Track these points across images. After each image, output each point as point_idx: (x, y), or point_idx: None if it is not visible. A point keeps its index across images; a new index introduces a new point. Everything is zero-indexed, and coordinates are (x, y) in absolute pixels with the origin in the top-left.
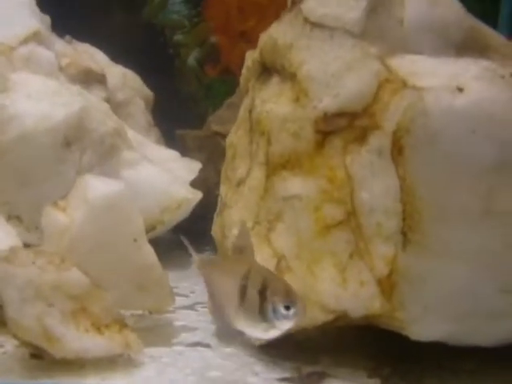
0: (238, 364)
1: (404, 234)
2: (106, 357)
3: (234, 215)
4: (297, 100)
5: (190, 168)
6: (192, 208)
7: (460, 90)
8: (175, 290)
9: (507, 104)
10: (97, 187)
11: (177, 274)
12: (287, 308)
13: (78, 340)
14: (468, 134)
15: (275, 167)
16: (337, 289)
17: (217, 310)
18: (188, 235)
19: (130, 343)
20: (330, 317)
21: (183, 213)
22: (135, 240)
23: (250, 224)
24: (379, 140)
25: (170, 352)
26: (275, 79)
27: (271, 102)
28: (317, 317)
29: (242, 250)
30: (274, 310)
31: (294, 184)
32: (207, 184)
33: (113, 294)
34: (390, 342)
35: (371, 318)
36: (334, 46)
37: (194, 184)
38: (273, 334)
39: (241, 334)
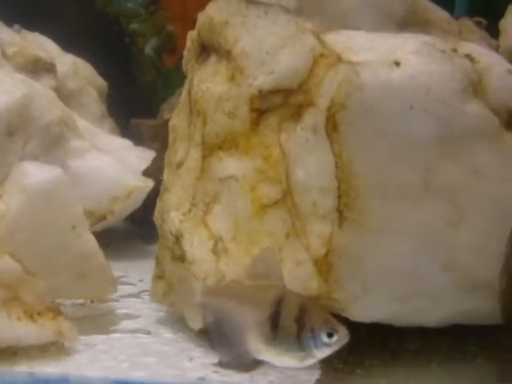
0: (176, 350)
1: (340, 211)
2: (38, 345)
3: (172, 198)
4: (232, 78)
5: (143, 157)
6: (144, 197)
7: (397, 64)
8: (124, 279)
9: (445, 78)
10: (33, 173)
11: (128, 263)
12: (330, 335)
13: (10, 329)
14: (405, 108)
15: (211, 148)
16: None
17: (228, 342)
18: (143, 225)
19: (63, 331)
20: None
21: (135, 202)
22: (73, 227)
23: (186, 206)
24: (314, 116)
25: (106, 339)
26: (213, 58)
27: (207, 82)
28: None
29: (266, 275)
30: (314, 338)
31: (230, 164)
32: (162, 172)
33: (52, 283)
34: None
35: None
36: (268, 22)
37: (149, 173)
38: (308, 362)
39: (260, 363)
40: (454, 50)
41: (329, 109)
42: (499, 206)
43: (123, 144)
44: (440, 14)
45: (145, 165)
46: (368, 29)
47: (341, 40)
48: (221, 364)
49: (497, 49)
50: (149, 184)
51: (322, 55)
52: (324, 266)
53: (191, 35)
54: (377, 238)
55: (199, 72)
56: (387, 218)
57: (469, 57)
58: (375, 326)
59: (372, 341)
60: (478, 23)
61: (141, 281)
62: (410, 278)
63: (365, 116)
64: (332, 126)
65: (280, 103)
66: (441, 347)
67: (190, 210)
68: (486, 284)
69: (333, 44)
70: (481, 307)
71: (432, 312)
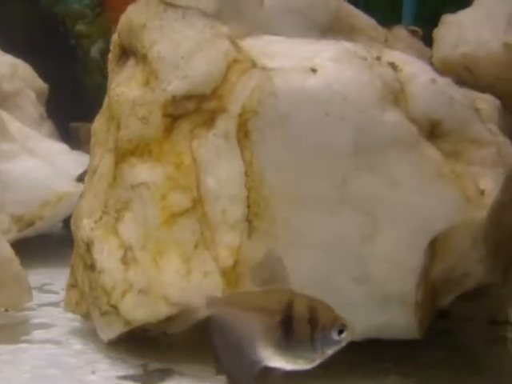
0: (83, 361)
1: (249, 221)
2: None
3: (85, 205)
4: (147, 83)
5: (80, 161)
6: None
7: (313, 71)
8: (48, 287)
9: (363, 86)
10: None
11: (57, 270)
12: (341, 332)
13: None
14: (321, 116)
15: (124, 154)
16: (181, 281)
17: (237, 353)
18: None
19: None
20: (174, 310)
21: (66, 207)
22: None
23: (98, 213)
24: (226, 123)
25: (13, 350)
26: (131, 62)
27: (123, 86)
28: (161, 310)
29: (272, 279)
30: (325, 337)
31: (142, 171)
32: None
33: None
34: None
35: None
36: (185, 25)
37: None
38: (318, 361)
39: (273, 370)
40: (378, 58)
41: (240, 115)
42: (415, 218)
43: (59, 148)
44: (366, 21)
45: (80, 170)
46: (290, 35)
47: (258, 45)
48: (229, 377)
49: (430, 58)
50: (80, 189)
51: (236, 60)
52: (232, 277)
53: (113, 38)
54: (288, 250)
55: (117, 76)
56: (299, 230)
57: (392, 65)
58: None
59: None
60: (414, 32)
61: (63, 289)
62: (322, 290)
63: (278, 123)
64: (243, 133)
65: (193, 109)
66: (354, 363)
67: (101, 218)
68: (401, 297)
69: (249, 49)
70: (396, 321)
71: None
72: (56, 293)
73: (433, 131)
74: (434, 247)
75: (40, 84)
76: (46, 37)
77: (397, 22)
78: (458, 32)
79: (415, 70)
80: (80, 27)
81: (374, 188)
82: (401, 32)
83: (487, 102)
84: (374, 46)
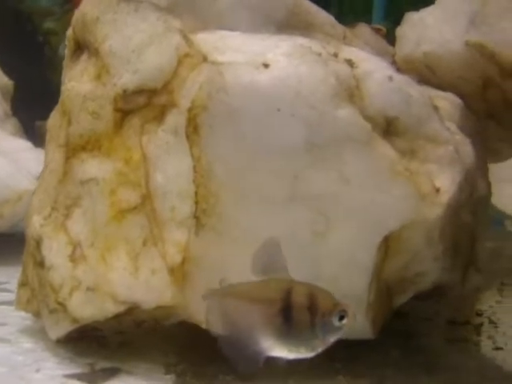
0: (31, 360)
1: (197, 218)
2: None
3: (35, 201)
4: (98, 77)
5: (42, 159)
6: None
7: (265, 66)
8: (4, 286)
9: (316, 82)
10: None
11: (15, 269)
12: (341, 318)
13: None
14: (271, 112)
15: (75, 149)
16: (128, 278)
17: (239, 343)
18: None
19: None
20: (122, 308)
21: (27, 206)
22: None
23: (47, 210)
24: (175, 118)
25: None
26: (84, 56)
27: (75, 80)
28: (108, 308)
29: (271, 267)
30: (326, 324)
31: (91, 167)
32: None
33: None
34: (195, 336)
35: (165, 310)
36: (138, 19)
37: None
38: (319, 349)
39: (277, 360)
40: (335, 55)
41: (190, 110)
42: (368, 216)
43: (23, 146)
44: (324, 17)
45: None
46: (244, 30)
47: (211, 40)
48: (234, 368)
49: (393, 56)
50: None
51: (187, 55)
52: (180, 274)
53: (68, 32)
54: (236, 248)
55: (71, 71)
56: (248, 227)
57: (349, 62)
58: None
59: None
60: (377, 30)
61: None
62: None
63: (228, 119)
64: (193, 128)
65: (144, 104)
66: (303, 363)
67: (50, 214)
68: (353, 297)
69: (200, 44)
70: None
71: None
72: (11, 292)
73: (388, 128)
74: (387, 246)
75: (5, 81)
76: (13, 34)
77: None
78: (420, 30)
79: (372, 67)
80: (48, 24)
81: (326, 185)
82: (364, 30)
83: (448, 101)
84: (332, 42)
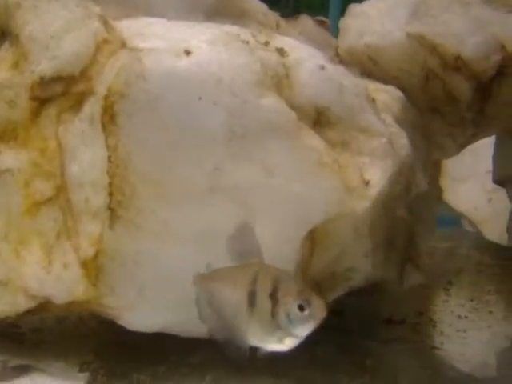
0: None
1: (112, 210)
2: None
3: None
4: (16, 65)
5: None
6: None
7: (187, 52)
8: None
9: (239, 69)
10: None
11: None
12: (301, 308)
13: None
14: (192, 100)
15: None
16: (41, 272)
17: (225, 328)
18: None
19: None
20: (33, 303)
21: None
22: None
23: None
24: (92, 107)
25: None
26: (6, 45)
27: None
28: (20, 303)
29: (245, 252)
30: (288, 314)
31: (7, 157)
32: None
33: None
34: (116, 333)
35: (79, 305)
36: (58, 5)
37: None
38: (289, 343)
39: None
40: (266, 43)
41: (106, 98)
42: (292, 209)
43: None
44: (257, 6)
45: None
46: (172, 17)
47: (135, 27)
48: (226, 356)
49: (336, 48)
50: None
51: (106, 41)
52: (93, 269)
53: None
54: (154, 242)
55: None
56: (167, 220)
57: (280, 50)
58: (163, 336)
59: (153, 352)
60: (321, 22)
61: None
62: (190, 284)
63: (146, 107)
64: (109, 116)
65: (62, 92)
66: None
67: None
68: None
69: (121, 30)
70: None
71: None
72: None
73: (319, 119)
74: (314, 240)
75: None
76: None
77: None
78: (363, 22)
79: (303, 56)
80: None
81: (249, 177)
82: (307, 22)
83: (388, 94)
84: (264, 31)
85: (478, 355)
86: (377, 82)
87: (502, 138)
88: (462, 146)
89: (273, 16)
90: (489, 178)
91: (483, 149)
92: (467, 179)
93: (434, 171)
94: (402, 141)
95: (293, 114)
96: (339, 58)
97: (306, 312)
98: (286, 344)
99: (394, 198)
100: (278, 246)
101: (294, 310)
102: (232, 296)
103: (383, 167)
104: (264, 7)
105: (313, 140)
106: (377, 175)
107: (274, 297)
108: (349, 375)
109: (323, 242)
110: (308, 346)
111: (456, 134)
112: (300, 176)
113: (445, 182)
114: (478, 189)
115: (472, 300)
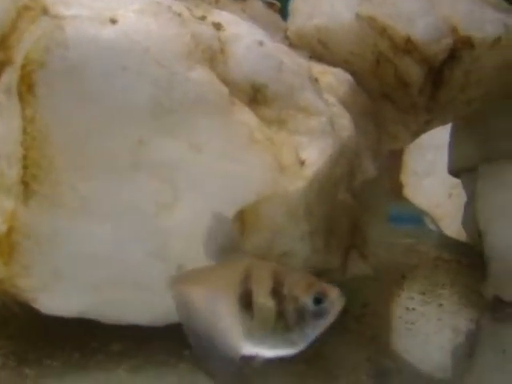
0: None
1: (26, 184)
2: None
3: None
4: None
5: None
6: None
7: (113, 21)
8: None
9: (168, 40)
10: None
11: None
12: (317, 301)
13: None
14: (117, 70)
15: None
16: None
17: (208, 342)
18: None
19: None
20: None
21: None
22: None
23: None
24: (10, 76)
25: None
26: None
27: None
28: None
29: (226, 250)
30: (299, 310)
31: None
32: None
33: None
34: (34, 317)
35: None
36: None
37: None
38: (299, 345)
39: (251, 359)
40: (203, 17)
41: (23, 67)
42: (220, 187)
43: None
44: None
45: None
46: None
47: None
48: (210, 374)
49: (285, 31)
50: None
51: (26, 7)
52: (5, 246)
53: None
54: (72, 218)
55: None
56: (86, 196)
57: (217, 25)
58: (90, 322)
59: (73, 338)
60: (270, 5)
61: None
62: (112, 265)
63: (68, 77)
64: (27, 86)
65: None
66: (149, 349)
67: None
68: None
69: None
70: None
71: (142, 307)
72: None
73: (255, 96)
74: (244, 221)
75: None
76: None
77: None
78: (313, 3)
79: (241, 31)
80: None
81: (175, 153)
82: (256, 3)
83: (334, 76)
84: (202, 5)
85: (421, 346)
86: (326, 65)
87: (457, 127)
88: (416, 134)
89: None
90: (448, 175)
91: (446, 145)
92: (428, 175)
93: (395, 166)
94: (344, 121)
95: (224, 89)
96: (289, 41)
97: (324, 305)
98: (295, 346)
99: (335, 181)
100: (203, 226)
101: (309, 304)
102: (218, 300)
103: (321, 147)
104: None
105: (244, 116)
106: (314, 155)
107: (277, 294)
108: (285, 365)
109: (255, 224)
110: None
111: (408, 120)
112: (229, 153)
113: (406, 178)
114: (438, 185)
115: (424, 293)
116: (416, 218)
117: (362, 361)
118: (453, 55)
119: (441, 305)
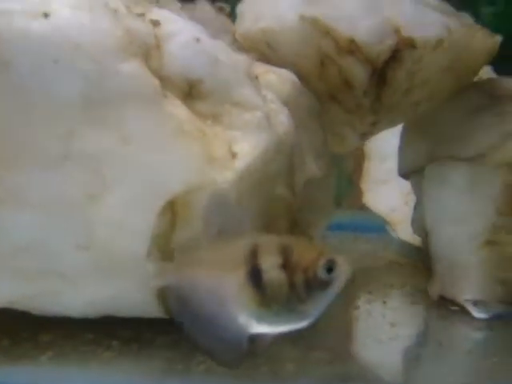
0: None
1: None
2: None
3: None
4: None
5: None
6: None
7: (46, 15)
8: None
9: (100, 35)
10: None
11: None
12: (329, 270)
13: None
14: (47, 63)
15: None
16: None
17: (210, 327)
18: None
19: None
20: None
21: None
22: None
23: None
24: None
25: None
26: None
27: None
28: None
29: (227, 228)
30: (311, 281)
31: None
32: None
33: None
34: None
35: None
36: None
37: None
38: (313, 315)
39: (258, 337)
40: (141, 14)
41: None
42: (149, 178)
43: None
44: None
45: None
46: None
47: None
48: (213, 358)
49: (234, 33)
50: None
51: None
52: None
53: None
54: (1, 210)
55: None
56: (13, 187)
57: (155, 22)
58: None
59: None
60: (220, 9)
61: None
62: (40, 256)
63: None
64: None
65: None
66: (77, 339)
67: None
68: (130, 265)
69: None
70: (128, 295)
71: (70, 298)
72: None
73: (191, 91)
74: (174, 212)
75: None
76: None
77: None
78: (259, 7)
79: (178, 28)
80: None
81: (104, 144)
82: (205, 6)
83: (278, 75)
84: (142, 3)
85: (360, 340)
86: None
87: (406, 130)
88: (364, 136)
89: None
90: (407, 181)
91: None
92: (387, 182)
93: (354, 171)
94: (282, 118)
95: (155, 82)
96: (237, 44)
97: (335, 273)
98: (307, 318)
99: (271, 176)
100: (131, 218)
101: (321, 273)
102: (224, 280)
103: (255, 141)
104: None
105: (175, 108)
106: (246, 148)
107: (287, 266)
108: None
109: (185, 215)
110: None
111: (355, 122)
112: (158, 144)
113: (366, 185)
114: (396, 191)
115: (370, 292)
116: (381, 226)
117: (294, 356)
118: (395, 56)
119: (385, 302)
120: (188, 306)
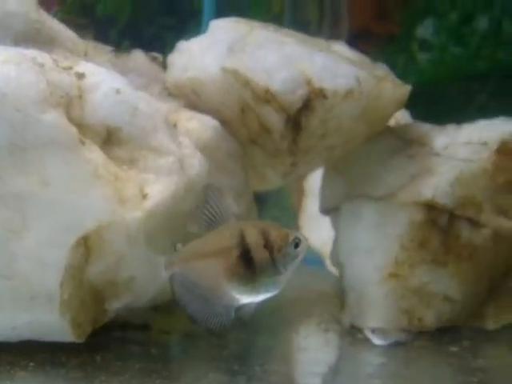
0: None
1: None
2: None
3: None
4: None
5: None
6: None
7: None
8: None
9: (25, 87)
10: None
11: None
12: (296, 246)
13: None
14: None
15: None
16: None
17: (207, 304)
18: None
19: None
20: None
21: None
22: None
23: None
24: None
25: None
26: None
27: None
28: None
29: (219, 219)
30: (285, 256)
31: None
32: None
33: None
34: None
35: None
36: None
37: None
38: (283, 283)
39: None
40: (69, 68)
41: None
42: (64, 217)
43: None
44: (68, 35)
45: None
46: None
47: None
48: (209, 331)
49: (164, 82)
50: None
51: None
52: None
53: None
54: None
55: None
56: None
57: (80, 74)
58: None
59: None
60: (154, 58)
61: None
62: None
63: None
64: None
65: None
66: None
67: None
68: (46, 296)
69: None
70: (44, 320)
71: None
72: None
73: (109, 138)
74: (88, 247)
75: None
76: None
77: None
78: (187, 58)
79: (101, 80)
80: None
81: (26, 186)
82: (139, 56)
83: (200, 122)
84: (72, 57)
85: (273, 364)
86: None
87: (326, 171)
88: (286, 175)
89: (82, 44)
90: None
91: None
92: (319, 218)
93: (296, 208)
94: (194, 161)
95: (73, 130)
96: (168, 92)
97: (300, 248)
98: (280, 286)
99: (183, 214)
100: (46, 252)
101: (292, 250)
102: (220, 264)
103: (166, 183)
104: (74, 35)
105: (91, 154)
106: (156, 189)
107: (269, 246)
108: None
109: (98, 250)
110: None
111: (276, 163)
112: (74, 186)
113: (303, 221)
114: (327, 226)
115: (290, 322)
116: (319, 260)
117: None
118: (308, 105)
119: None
120: (187, 290)
